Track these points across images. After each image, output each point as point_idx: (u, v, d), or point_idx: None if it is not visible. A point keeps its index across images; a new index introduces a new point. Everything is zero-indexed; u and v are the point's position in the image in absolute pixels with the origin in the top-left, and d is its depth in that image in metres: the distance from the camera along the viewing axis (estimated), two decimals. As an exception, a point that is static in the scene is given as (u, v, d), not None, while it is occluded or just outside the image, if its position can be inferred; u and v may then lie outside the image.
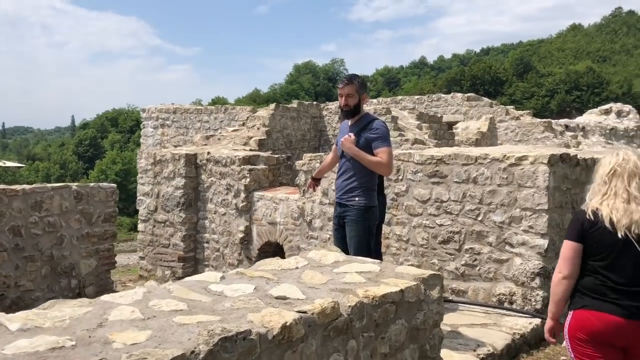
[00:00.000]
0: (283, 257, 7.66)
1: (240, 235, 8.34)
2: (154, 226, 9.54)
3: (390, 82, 69.11)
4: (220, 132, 11.41)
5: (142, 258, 9.80)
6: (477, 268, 5.58)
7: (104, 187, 7.56)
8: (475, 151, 5.86)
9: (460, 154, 5.70)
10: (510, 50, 76.33)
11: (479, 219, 5.53)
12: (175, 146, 12.01)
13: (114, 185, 8.20)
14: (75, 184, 7.64)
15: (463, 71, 50.69)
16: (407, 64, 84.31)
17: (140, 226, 9.85)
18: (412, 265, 5.47)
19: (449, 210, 5.71)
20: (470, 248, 5.62)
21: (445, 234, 5.74)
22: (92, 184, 7.77)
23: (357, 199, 4.39)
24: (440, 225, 5.78)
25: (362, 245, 4.30)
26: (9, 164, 47.90)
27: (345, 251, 3.85)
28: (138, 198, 9.93)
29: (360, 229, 4.35)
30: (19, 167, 48.41)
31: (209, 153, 9.03)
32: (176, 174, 9.15)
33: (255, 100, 53.09)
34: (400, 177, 6.07)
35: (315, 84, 62.81)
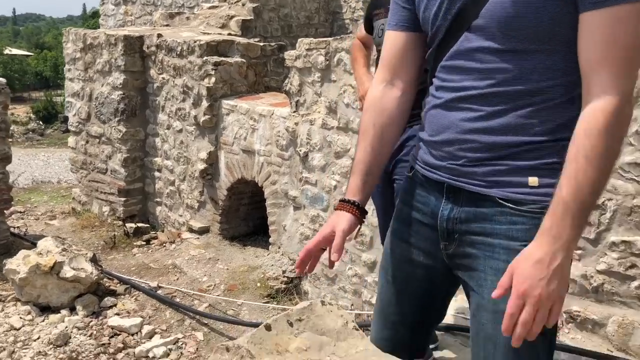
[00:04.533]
0: (262, 203, 4.72)
1: (202, 165, 5.43)
2: (87, 142, 6.64)
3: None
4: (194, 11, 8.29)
5: (79, 182, 7.00)
6: (630, 283, 2.71)
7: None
8: None
9: None
10: None
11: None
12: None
13: (3, 80, 5.26)
14: None
15: None
16: None
17: (70, 141, 6.97)
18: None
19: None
20: (623, 241, 2.71)
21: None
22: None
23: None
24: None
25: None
26: (15, 51, 44.60)
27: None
28: (66, 100, 6.96)
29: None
30: (27, 56, 45.17)
31: (159, 36, 5.92)
32: (113, 67, 6.10)
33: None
34: None
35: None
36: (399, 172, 2.56)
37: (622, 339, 2.74)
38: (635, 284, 2.70)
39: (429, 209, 1.35)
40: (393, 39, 1.40)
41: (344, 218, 1.35)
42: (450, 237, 1.31)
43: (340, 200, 1.40)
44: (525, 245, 1.18)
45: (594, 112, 1.09)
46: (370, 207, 4.10)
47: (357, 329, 1.28)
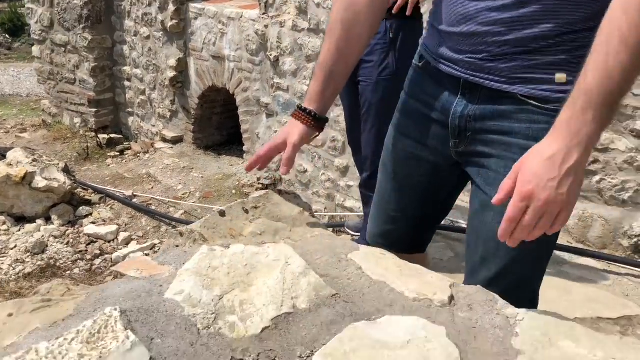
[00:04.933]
0: (235, 112, 4.68)
1: (171, 73, 5.30)
2: (53, 51, 6.40)
3: None
4: None
5: (48, 93, 6.83)
6: (592, 178, 2.79)
7: None
8: None
9: None
10: None
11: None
12: None
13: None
14: None
15: None
16: None
17: (35, 50, 6.71)
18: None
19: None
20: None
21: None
22: None
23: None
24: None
25: None
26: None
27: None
28: (27, 6, 6.64)
29: None
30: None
31: None
32: (73, -30, 5.79)
33: None
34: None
35: None
36: (363, 73, 2.52)
37: (581, 232, 2.85)
38: (596, 178, 2.77)
39: (440, 105, 1.24)
40: None
41: (296, 129, 1.26)
42: (462, 135, 1.21)
43: (297, 107, 1.29)
44: None
45: None
46: (342, 112, 4.05)
47: (313, 216, 1.30)
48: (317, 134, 1.31)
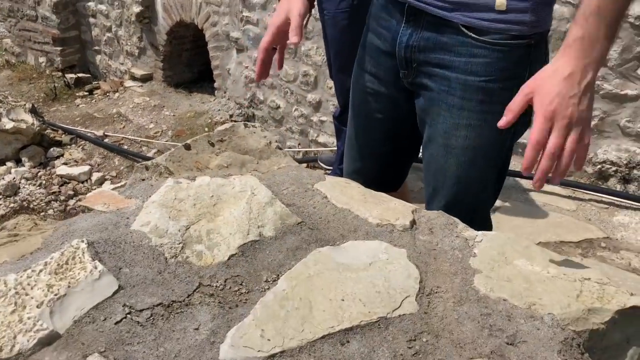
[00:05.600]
0: (205, 48, 4.57)
1: (137, 8, 5.13)
2: (11, -14, 6.12)
3: None
4: None
5: (9, 31, 6.57)
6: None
7: None
8: None
9: None
10: None
11: None
12: None
13: None
14: None
15: None
16: None
17: (-9, -15, 6.41)
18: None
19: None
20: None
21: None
22: None
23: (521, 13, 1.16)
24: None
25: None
26: None
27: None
28: (-20, -61, 6.28)
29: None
30: None
31: None
32: None
33: None
34: None
35: None
36: (326, 6, 2.47)
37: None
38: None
39: (390, 35, 1.23)
40: None
41: (296, 2, 1.18)
42: (409, 66, 1.22)
43: None
44: (485, 82, 1.10)
45: None
46: (314, 45, 4.01)
47: (280, 149, 1.31)
48: (309, 15, 1.26)
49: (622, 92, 2.66)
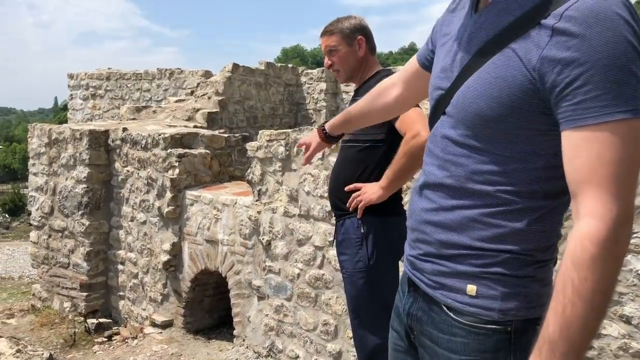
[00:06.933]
0: (226, 294, 4.62)
1: (165, 257, 5.36)
2: (50, 236, 6.53)
3: (379, 67, 65.81)
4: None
5: (40, 277, 6.81)
6: None
7: None
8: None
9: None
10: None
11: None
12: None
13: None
14: None
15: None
16: (397, 50, 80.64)
17: (32, 235, 6.85)
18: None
19: None
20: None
21: None
22: None
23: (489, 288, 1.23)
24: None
25: None
26: (-18, 145, 44.80)
27: None
28: (29, 194, 6.90)
29: None
30: (-5, 149, 45.43)
31: (125, 130, 6.01)
32: (78, 161, 6.13)
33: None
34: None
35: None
36: (343, 265, 2.58)
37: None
38: (594, 364, 2.70)
39: (402, 298, 1.35)
40: (413, 63, 1.56)
41: (315, 138, 2.06)
42: (412, 331, 1.29)
43: (320, 125, 2.05)
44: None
45: (582, 240, 0.93)
46: (334, 295, 4.04)
47: None
48: (325, 147, 2.11)
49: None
